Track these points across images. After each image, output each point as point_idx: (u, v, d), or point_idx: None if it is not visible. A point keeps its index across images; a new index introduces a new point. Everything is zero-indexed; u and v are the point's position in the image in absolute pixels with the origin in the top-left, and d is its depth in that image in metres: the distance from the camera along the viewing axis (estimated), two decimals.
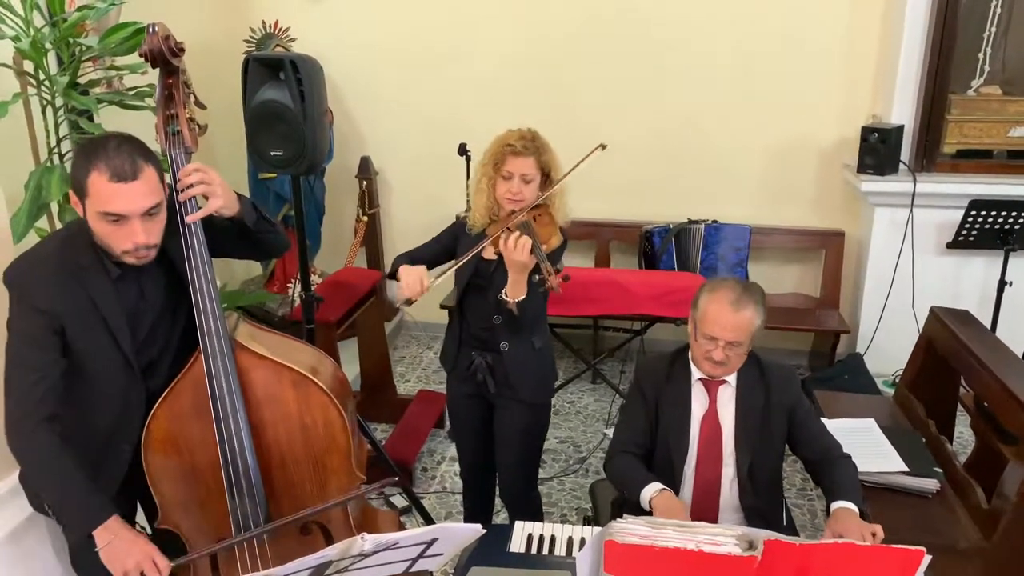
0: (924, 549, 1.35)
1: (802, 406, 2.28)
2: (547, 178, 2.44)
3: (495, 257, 2.41)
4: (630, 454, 2.28)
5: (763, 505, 2.24)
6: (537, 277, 2.26)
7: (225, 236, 2.01)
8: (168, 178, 1.94)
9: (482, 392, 2.60)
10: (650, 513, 2.10)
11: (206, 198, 1.91)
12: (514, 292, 2.33)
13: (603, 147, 2.44)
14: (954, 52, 4.10)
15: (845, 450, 2.74)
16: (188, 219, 1.90)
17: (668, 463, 2.26)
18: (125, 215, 1.76)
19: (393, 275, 2.47)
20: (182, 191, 1.90)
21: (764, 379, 2.26)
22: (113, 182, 1.73)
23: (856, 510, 2.10)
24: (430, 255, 2.58)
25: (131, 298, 1.93)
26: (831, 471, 2.23)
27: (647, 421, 2.30)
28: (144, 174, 1.77)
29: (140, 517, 2.31)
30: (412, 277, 2.36)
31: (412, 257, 2.54)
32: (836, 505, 2.12)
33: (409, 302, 2.36)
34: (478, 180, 2.47)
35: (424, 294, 2.35)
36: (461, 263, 2.39)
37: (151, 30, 1.89)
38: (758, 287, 2.27)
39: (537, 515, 2.80)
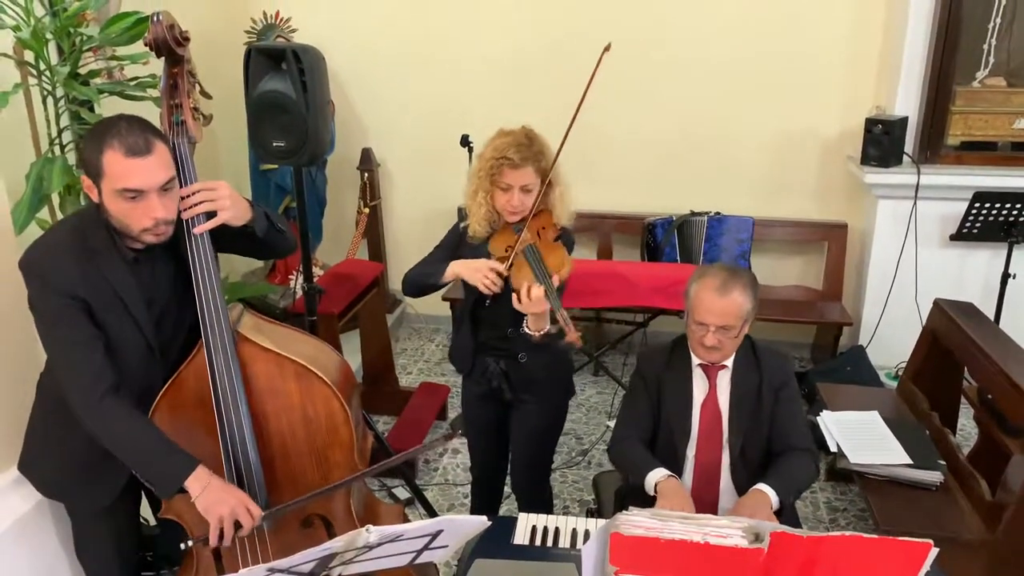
0: (931, 542, 1.34)
1: (788, 388, 2.28)
2: (547, 181, 2.30)
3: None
4: (635, 439, 2.29)
5: None
6: (555, 329, 2.16)
7: (232, 238, 2.02)
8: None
9: (498, 394, 2.53)
10: (655, 498, 2.11)
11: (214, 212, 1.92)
12: (537, 325, 2.23)
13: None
14: (959, 43, 4.08)
15: (848, 443, 2.73)
16: (195, 231, 1.91)
17: (671, 448, 2.28)
18: (143, 189, 1.77)
19: (419, 288, 2.39)
20: (186, 209, 1.90)
21: (758, 362, 2.27)
22: (129, 157, 1.74)
23: (770, 496, 2.07)
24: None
25: (145, 282, 1.94)
26: (781, 458, 2.22)
27: (649, 407, 2.31)
28: (157, 148, 1.78)
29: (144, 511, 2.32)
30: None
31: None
32: (756, 486, 2.11)
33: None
34: (474, 191, 2.31)
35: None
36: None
37: (156, 19, 1.88)
38: (747, 271, 2.27)
39: (548, 508, 2.78)
